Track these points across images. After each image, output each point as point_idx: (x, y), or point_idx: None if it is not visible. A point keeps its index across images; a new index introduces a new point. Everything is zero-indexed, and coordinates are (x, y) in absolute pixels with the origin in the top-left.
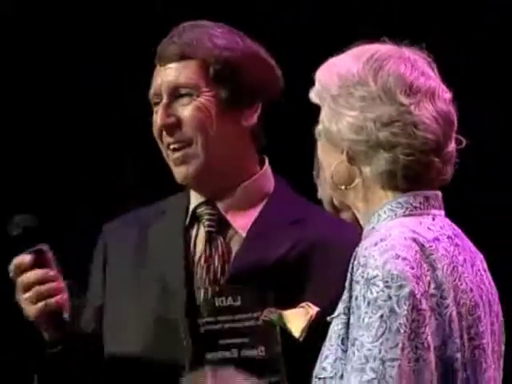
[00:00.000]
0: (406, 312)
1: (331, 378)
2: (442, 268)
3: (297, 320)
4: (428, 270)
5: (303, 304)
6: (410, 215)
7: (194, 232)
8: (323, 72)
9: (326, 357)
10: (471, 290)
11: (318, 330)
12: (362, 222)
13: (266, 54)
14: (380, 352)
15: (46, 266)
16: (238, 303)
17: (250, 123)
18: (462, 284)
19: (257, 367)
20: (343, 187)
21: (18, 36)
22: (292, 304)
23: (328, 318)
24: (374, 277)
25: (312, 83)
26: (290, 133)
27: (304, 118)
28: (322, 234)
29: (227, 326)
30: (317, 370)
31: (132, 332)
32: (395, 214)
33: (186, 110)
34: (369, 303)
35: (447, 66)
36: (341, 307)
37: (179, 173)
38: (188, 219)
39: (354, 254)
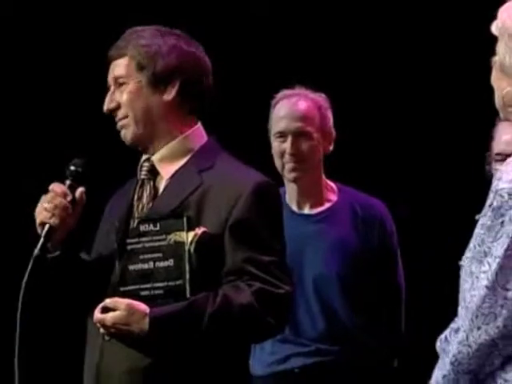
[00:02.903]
0: None
1: (464, 266)
2: None
3: (190, 237)
4: None
5: (196, 228)
6: None
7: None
8: (506, 11)
9: (469, 249)
10: None
11: (203, 243)
12: None
13: (188, 44)
14: (496, 250)
15: (68, 201)
16: (157, 228)
17: (169, 98)
18: None
19: (166, 274)
20: (511, 108)
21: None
22: (193, 228)
23: (476, 217)
24: (502, 189)
25: None
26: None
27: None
28: (219, 178)
29: (147, 245)
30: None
31: (96, 248)
32: None
33: (122, 95)
34: (493, 210)
35: None
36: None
37: (122, 137)
38: (138, 173)
39: None
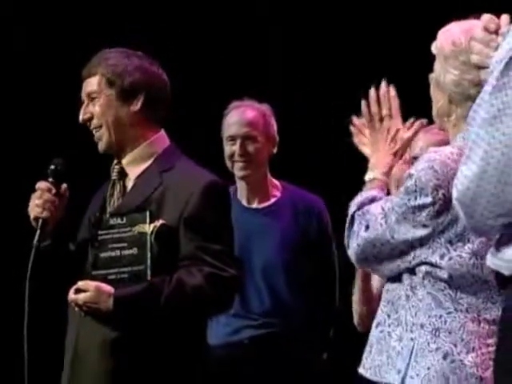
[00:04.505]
0: (415, 202)
1: None
2: None
3: (151, 228)
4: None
5: (156, 221)
6: None
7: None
8: (444, 34)
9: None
10: None
11: (161, 234)
12: (451, 142)
13: (150, 64)
14: (393, 209)
15: (53, 194)
16: (124, 221)
17: (135, 109)
18: None
19: (131, 260)
20: (444, 118)
21: None
22: (154, 221)
23: None
24: (412, 174)
25: None
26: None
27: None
28: (177, 178)
29: (115, 236)
30: None
31: (78, 238)
32: (464, 140)
33: (95, 108)
34: (404, 187)
35: None
36: None
37: (99, 147)
38: (111, 174)
39: None
